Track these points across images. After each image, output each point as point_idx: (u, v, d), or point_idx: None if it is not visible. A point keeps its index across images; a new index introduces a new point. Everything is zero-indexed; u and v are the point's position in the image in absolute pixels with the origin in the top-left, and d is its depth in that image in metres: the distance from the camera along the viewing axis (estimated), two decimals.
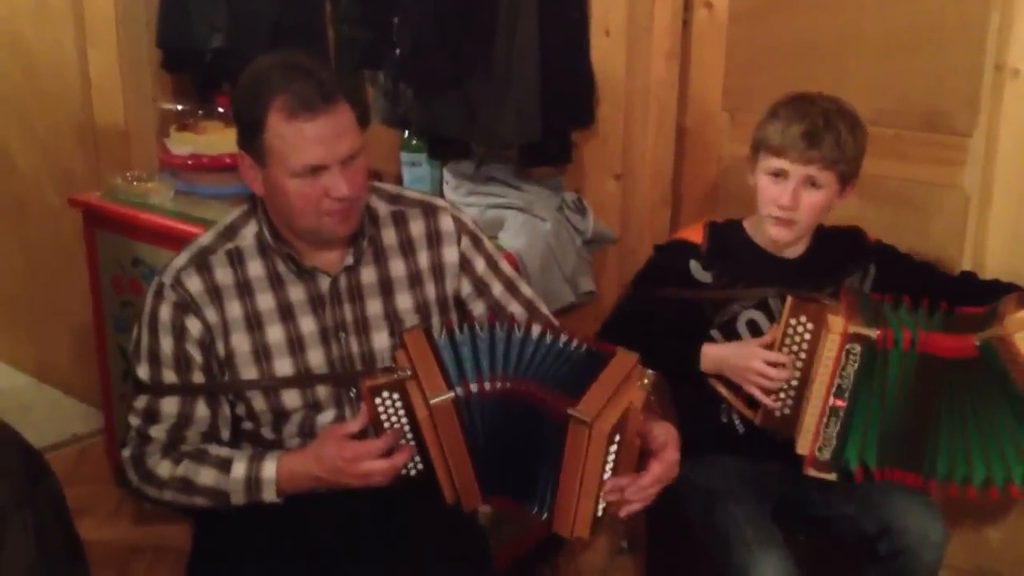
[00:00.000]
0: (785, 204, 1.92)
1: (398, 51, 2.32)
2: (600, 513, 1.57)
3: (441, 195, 2.47)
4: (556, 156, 2.42)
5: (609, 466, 1.54)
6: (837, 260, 2.03)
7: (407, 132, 2.50)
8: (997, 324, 1.81)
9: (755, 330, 1.99)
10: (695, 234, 2.08)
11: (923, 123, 2.15)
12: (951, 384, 1.83)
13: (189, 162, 2.71)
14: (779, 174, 1.93)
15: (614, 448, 1.54)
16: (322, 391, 1.71)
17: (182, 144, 2.73)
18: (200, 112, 2.86)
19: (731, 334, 2.00)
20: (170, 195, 2.69)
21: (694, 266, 2.04)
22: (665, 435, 1.64)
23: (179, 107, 2.91)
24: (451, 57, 2.28)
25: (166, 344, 1.68)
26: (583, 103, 2.36)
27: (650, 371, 1.60)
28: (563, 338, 1.63)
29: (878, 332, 1.82)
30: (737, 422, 2.00)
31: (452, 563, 1.67)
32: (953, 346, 1.82)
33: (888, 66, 2.16)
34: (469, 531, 1.74)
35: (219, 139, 2.72)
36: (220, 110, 2.84)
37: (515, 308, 1.85)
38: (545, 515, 1.58)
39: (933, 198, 2.17)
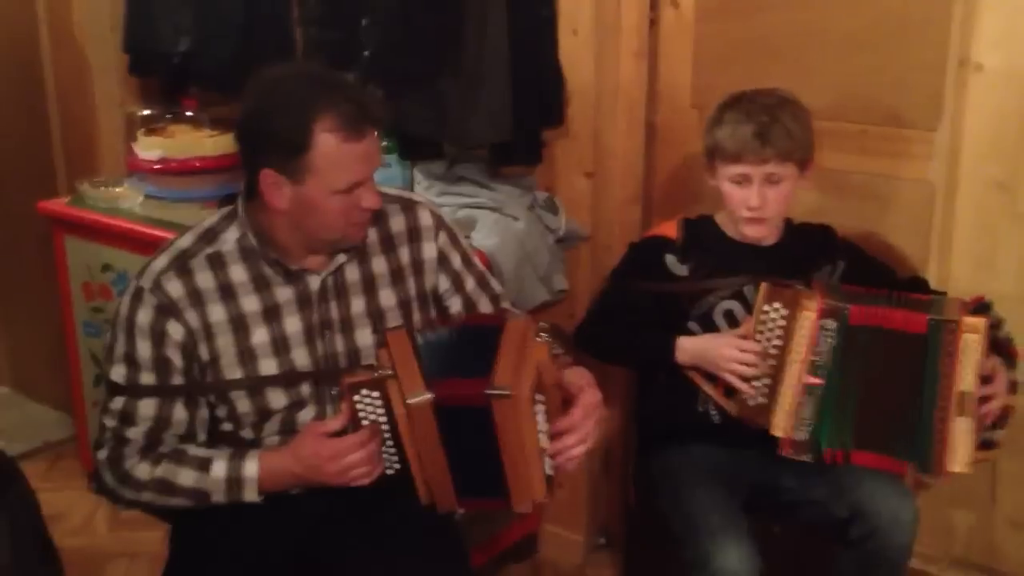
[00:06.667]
0: (754, 206, 1.98)
1: (366, 52, 2.32)
2: (550, 472, 1.60)
3: None
4: (527, 155, 2.42)
5: (541, 425, 1.57)
6: (809, 252, 2.08)
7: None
8: (948, 315, 1.84)
9: (732, 320, 2.02)
10: (669, 229, 2.12)
11: (888, 118, 2.17)
12: (909, 361, 1.85)
13: (158, 166, 2.69)
14: (741, 179, 1.97)
15: (540, 407, 1.56)
16: (305, 388, 1.71)
17: (150, 148, 2.71)
18: (168, 116, 2.84)
19: (708, 325, 2.02)
20: (139, 200, 2.67)
21: (670, 260, 2.07)
22: (579, 379, 1.67)
23: (146, 111, 2.89)
24: (420, 57, 2.28)
25: (143, 348, 1.66)
26: (553, 102, 2.37)
27: (543, 322, 1.64)
28: (453, 325, 1.67)
29: (851, 307, 1.85)
30: (713, 412, 2.01)
31: (428, 563, 1.67)
32: (903, 319, 1.85)
33: (853, 62, 2.19)
34: (445, 530, 1.74)
35: (188, 143, 2.71)
36: (188, 114, 2.83)
37: (484, 303, 1.86)
38: (505, 500, 1.58)
39: (899, 192, 2.20)
